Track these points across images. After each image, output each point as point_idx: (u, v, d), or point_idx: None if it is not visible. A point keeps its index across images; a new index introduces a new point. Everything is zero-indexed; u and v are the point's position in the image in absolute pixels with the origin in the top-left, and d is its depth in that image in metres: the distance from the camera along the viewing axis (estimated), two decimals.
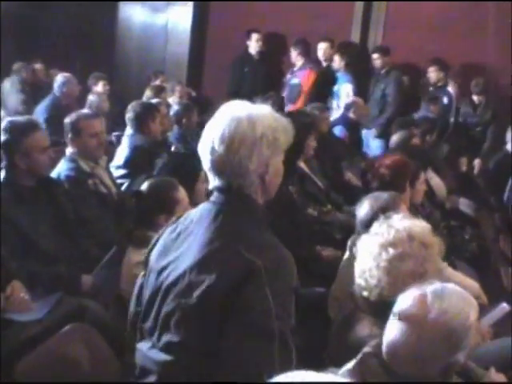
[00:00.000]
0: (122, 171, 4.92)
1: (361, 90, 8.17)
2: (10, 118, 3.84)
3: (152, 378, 2.07)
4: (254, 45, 8.73)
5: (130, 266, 3.14)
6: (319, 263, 4.35)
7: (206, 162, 2.02)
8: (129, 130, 5.19)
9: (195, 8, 8.80)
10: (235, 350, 1.90)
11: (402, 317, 2.06)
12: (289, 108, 7.69)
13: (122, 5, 8.89)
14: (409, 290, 2.12)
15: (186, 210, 3.22)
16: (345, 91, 8.12)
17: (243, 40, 8.83)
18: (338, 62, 8.28)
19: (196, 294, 1.94)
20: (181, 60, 8.88)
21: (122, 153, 5.04)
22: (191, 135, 6.32)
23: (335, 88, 8.23)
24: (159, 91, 7.22)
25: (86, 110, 4.68)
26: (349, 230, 5.08)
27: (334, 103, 8.17)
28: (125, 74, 8.67)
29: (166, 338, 2.02)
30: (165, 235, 2.20)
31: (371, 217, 3.28)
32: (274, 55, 8.70)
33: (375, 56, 8.36)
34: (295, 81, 8.31)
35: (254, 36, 8.66)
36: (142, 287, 2.25)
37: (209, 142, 1.99)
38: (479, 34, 8.47)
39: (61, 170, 4.24)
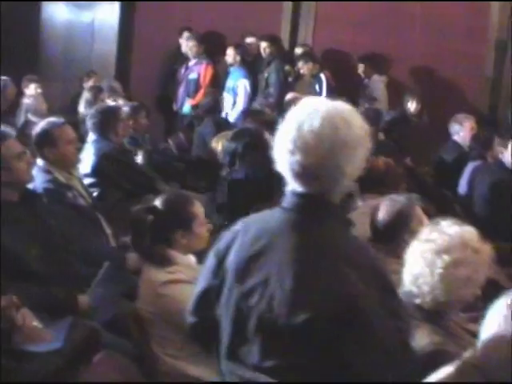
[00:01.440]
0: (90, 180, 4.67)
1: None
2: None
3: None
4: (185, 43, 8.56)
5: (154, 286, 2.97)
6: None
7: (290, 166, 1.89)
8: (92, 137, 4.92)
9: (122, 5, 8.52)
10: (364, 369, 1.86)
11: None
12: (189, 102, 8.03)
13: (44, 3, 8.46)
14: (499, 300, 2.10)
15: (202, 224, 3.12)
16: (242, 87, 8.11)
17: (170, 38, 8.67)
18: (232, 57, 8.21)
19: (302, 318, 1.84)
20: (108, 59, 8.59)
21: (87, 160, 4.77)
22: (142, 137, 6.13)
23: (230, 84, 8.18)
24: (98, 92, 6.96)
25: (52, 118, 4.38)
26: None
27: (230, 99, 8.08)
28: (50, 75, 8.25)
29: (272, 362, 1.91)
30: (239, 248, 2.01)
31: (389, 221, 3.28)
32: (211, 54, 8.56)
33: (264, 45, 8.33)
34: (193, 75, 8.24)
35: (186, 34, 8.49)
36: (207, 293, 2.11)
37: (299, 144, 1.87)
38: (406, 30, 8.73)
39: (36, 182, 3.97)
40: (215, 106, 6.95)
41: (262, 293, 1.91)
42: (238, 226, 2.09)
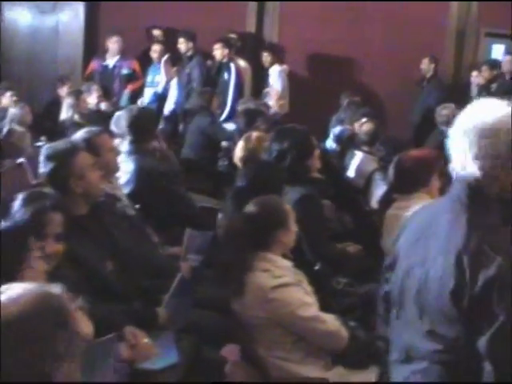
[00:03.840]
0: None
1: None
2: (47, 144, 3.45)
3: (423, 364, 2.22)
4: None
5: (263, 291, 2.96)
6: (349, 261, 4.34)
7: (460, 156, 2.11)
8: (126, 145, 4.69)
9: (86, 7, 8.30)
10: (497, 347, 2.03)
11: None
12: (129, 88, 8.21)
13: (5, 7, 8.13)
14: None
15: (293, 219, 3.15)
16: (175, 81, 8.19)
17: (136, 38, 8.55)
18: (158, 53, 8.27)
19: (447, 295, 2.08)
20: (75, 62, 8.36)
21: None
22: None
23: (159, 79, 8.22)
24: (79, 95, 6.81)
25: (89, 127, 4.22)
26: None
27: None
28: (15, 82, 7.94)
29: (427, 327, 2.20)
30: (407, 233, 2.34)
31: None
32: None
33: (181, 40, 8.35)
34: (125, 71, 8.29)
35: (156, 32, 8.42)
36: (386, 269, 2.50)
37: (468, 138, 2.08)
38: (368, 25, 8.93)
39: None
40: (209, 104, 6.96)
41: (421, 270, 2.20)
42: (410, 213, 2.46)
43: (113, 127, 4.97)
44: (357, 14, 8.89)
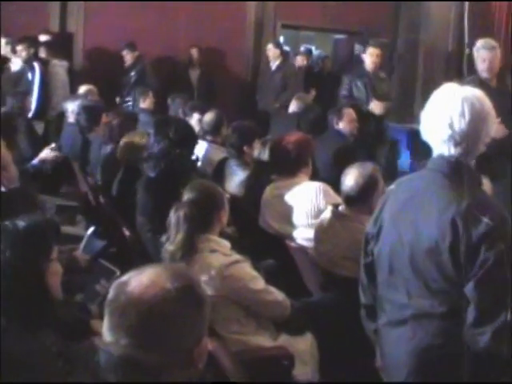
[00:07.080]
0: None
1: None
2: None
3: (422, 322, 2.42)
4: None
5: (218, 270, 3.06)
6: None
7: (438, 136, 2.37)
8: None
9: None
10: (481, 299, 2.25)
11: None
12: None
13: None
14: None
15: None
16: None
17: None
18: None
19: (445, 247, 2.29)
20: None
21: None
22: None
23: None
24: None
25: None
26: None
27: None
28: None
29: (422, 285, 2.41)
30: (392, 202, 2.54)
31: (362, 185, 3.68)
32: None
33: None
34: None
35: None
36: (368, 237, 2.66)
37: (445, 119, 2.34)
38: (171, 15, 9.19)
39: None
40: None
41: (412, 235, 2.41)
42: (392, 186, 2.63)
43: None
44: (163, 12, 9.14)
